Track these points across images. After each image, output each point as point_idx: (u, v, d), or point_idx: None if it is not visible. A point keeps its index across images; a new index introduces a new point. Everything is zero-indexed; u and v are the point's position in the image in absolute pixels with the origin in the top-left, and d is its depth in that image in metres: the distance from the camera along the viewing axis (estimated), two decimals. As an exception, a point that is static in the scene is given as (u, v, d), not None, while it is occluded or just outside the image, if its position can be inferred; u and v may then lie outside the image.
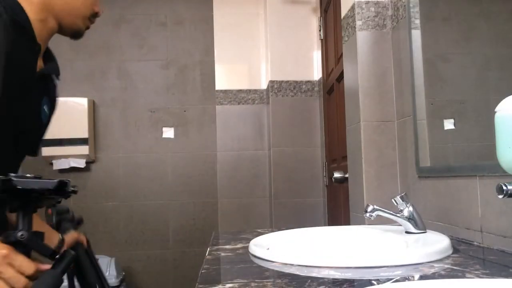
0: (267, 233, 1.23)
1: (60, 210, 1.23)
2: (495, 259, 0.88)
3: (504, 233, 0.94)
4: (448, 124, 1.28)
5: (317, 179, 2.70)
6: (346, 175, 1.84)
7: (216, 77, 3.02)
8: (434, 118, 1.33)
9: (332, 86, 2.31)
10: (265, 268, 0.86)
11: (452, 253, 0.91)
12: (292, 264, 0.86)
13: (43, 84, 1.05)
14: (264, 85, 2.99)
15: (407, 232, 1.11)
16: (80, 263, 1.21)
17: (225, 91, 3.01)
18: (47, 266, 0.79)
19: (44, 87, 1.05)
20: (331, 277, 0.76)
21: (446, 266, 0.81)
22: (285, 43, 2.74)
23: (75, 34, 1.09)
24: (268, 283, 0.74)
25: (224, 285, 0.73)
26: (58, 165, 2.80)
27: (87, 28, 1.10)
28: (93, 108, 2.92)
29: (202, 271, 0.86)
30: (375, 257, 0.83)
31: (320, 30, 2.63)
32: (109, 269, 2.49)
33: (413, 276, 0.75)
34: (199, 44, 3.04)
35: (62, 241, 1.09)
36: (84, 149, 2.77)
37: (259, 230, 1.38)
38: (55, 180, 0.80)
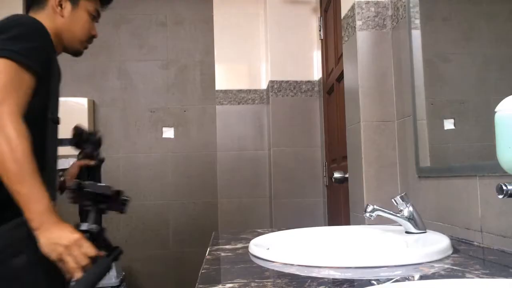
0: (267, 233, 1.23)
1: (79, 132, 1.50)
2: (495, 259, 0.88)
3: (504, 233, 0.94)
4: (448, 124, 1.28)
5: (317, 179, 2.69)
6: (346, 175, 1.84)
7: (216, 77, 3.02)
8: (434, 118, 1.32)
9: (332, 86, 2.31)
10: (265, 268, 0.86)
11: (452, 253, 0.91)
12: (292, 264, 0.86)
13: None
14: (264, 85, 2.99)
15: (407, 232, 1.11)
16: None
17: (225, 91, 3.01)
18: (103, 253, 1.07)
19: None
20: (331, 277, 0.76)
21: (446, 266, 0.81)
22: (285, 43, 2.74)
23: (76, 53, 1.34)
24: (268, 283, 0.74)
25: (224, 285, 0.73)
26: (58, 165, 2.79)
27: (86, 48, 1.35)
28: (93, 108, 2.92)
29: (202, 271, 0.86)
30: (375, 257, 0.83)
31: (320, 30, 2.63)
32: (109, 269, 2.48)
33: (413, 276, 0.75)
34: (199, 44, 3.04)
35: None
36: (84, 149, 2.77)
37: (259, 230, 1.38)
38: (115, 189, 1.17)
